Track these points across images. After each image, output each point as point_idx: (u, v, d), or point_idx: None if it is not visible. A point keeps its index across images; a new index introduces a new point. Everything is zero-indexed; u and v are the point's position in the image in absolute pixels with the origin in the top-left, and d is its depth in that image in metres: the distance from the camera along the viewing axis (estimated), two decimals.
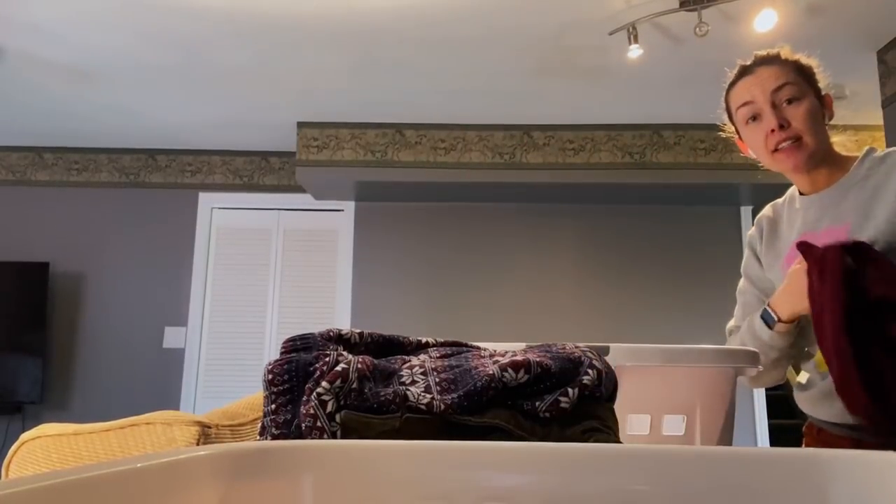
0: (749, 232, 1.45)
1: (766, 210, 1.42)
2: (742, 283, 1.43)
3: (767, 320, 1.22)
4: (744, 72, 1.30)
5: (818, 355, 1.26)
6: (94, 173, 4.66)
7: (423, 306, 4.40)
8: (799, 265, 1.16)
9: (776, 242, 1.36)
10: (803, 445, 1.33)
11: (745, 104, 1.28)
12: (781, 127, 1.24)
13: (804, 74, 1.27)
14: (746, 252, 1.44)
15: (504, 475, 0.45)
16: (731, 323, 1.43)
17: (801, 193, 1.34)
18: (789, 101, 1.24)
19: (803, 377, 1.34)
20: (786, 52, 1.29)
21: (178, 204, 4.62)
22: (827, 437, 1.28)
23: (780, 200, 1.41)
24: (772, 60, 1.28)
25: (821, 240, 1.20)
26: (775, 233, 1.37)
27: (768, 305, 1.23)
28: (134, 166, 4.67)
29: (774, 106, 1.25)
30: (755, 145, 1.30)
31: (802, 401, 1.35)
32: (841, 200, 1.26)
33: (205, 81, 3.61)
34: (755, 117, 1.28)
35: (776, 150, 1.25)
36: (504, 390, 0.64)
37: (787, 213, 1.37)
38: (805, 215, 1.31)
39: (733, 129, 1.36)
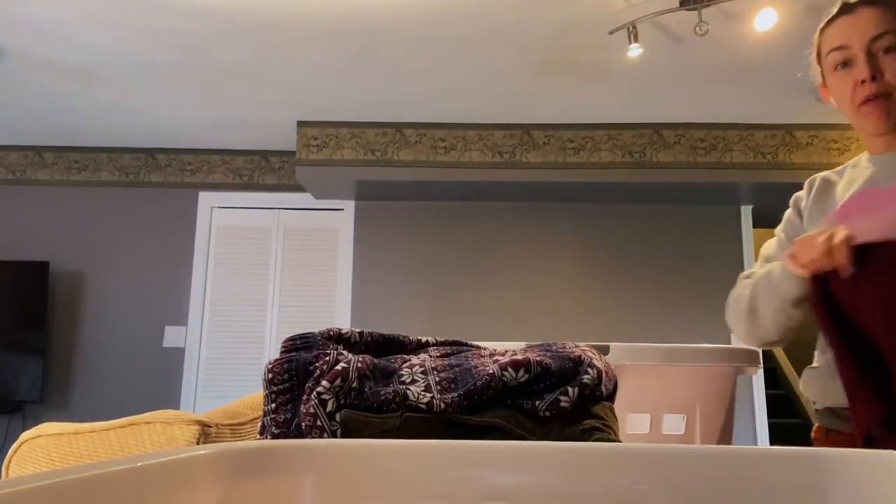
0: (797, 193, 1.33)
1: (824, 173, 1.31)
2: (773, 241, 1.33)
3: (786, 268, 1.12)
4: (844, 10, 1.18)
5: None
6: (94, 172, 4.65)
7: (423, 305, 4.40)
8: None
9: (826, 200, 1.26)
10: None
11: (838, 48, 1.18)
12: (873, 78, 1.13)
13: None
14: (789, 211, 1.33)
15: (504, 474, 0.45)
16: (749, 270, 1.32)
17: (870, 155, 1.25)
18: (887, 51, 1.13)
19: (818, 359, 1.24)
20: None
21: (178, 203, 4.62)
22: (837, 438, 1.17)
23: (840, 167, 1.30)
24: (879, 0, 1.15)
25: (886, 197, 1.14)
26: (827, 193, 1.27)
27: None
28: (134, 165, 4.66)
29: (870, 54, 1.14)
30: (840, 95, 1.20)
31: (812, 384, 1.23)
32: None
33: (205, 81, 3.61)
34: (846, 63, 1.17)
35: (863, 103, 1.15)
36: (504, 389, 0.64)
37: (847, 175, 1.26)
38: (873, 172, 1.20)
39: (818, 71, 1.26)
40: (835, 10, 1.20)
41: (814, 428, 1.26)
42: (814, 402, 1.25)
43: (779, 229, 1.33)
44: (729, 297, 1.29)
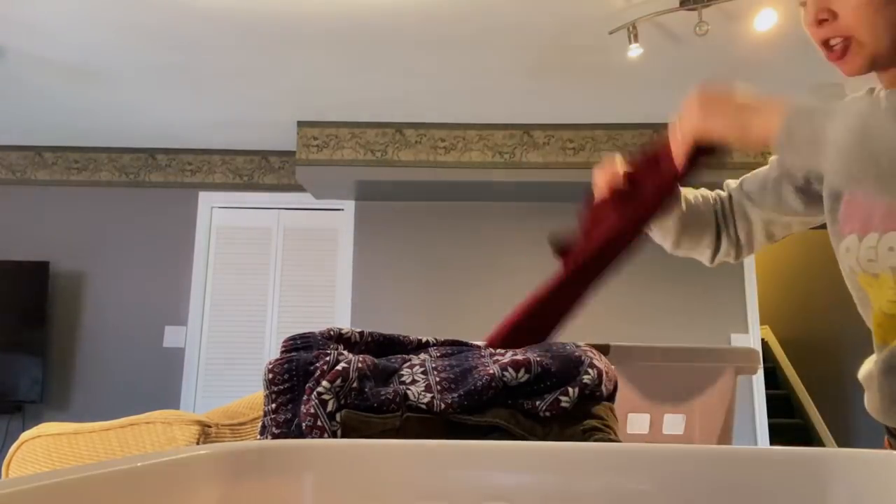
0: None
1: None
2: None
3: None
4: None
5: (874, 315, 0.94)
6: (94, 172, 4.65)
7: (423, 305, 4.40)
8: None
9: None
10: None
11: None
12: (824, 20, 0.89)
13: None
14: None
15: (504, 474, 0.45)
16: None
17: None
18: None
19: (866, 365, 0.99)
20: None
21: (177, 203, 4.62)
22: None
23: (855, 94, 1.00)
24: None
25: None
26: None
27: None
28: (134, 165, 4.66)
29: None
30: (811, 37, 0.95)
31: (867, 401, 0.99)
32: None
33: (205, 81, 3.61)
34: (803, 2, 0.93)
35: (828, 48, 0.91)
36: (504, 389, 0.64)
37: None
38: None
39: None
40: None
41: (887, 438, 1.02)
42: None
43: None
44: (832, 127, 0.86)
